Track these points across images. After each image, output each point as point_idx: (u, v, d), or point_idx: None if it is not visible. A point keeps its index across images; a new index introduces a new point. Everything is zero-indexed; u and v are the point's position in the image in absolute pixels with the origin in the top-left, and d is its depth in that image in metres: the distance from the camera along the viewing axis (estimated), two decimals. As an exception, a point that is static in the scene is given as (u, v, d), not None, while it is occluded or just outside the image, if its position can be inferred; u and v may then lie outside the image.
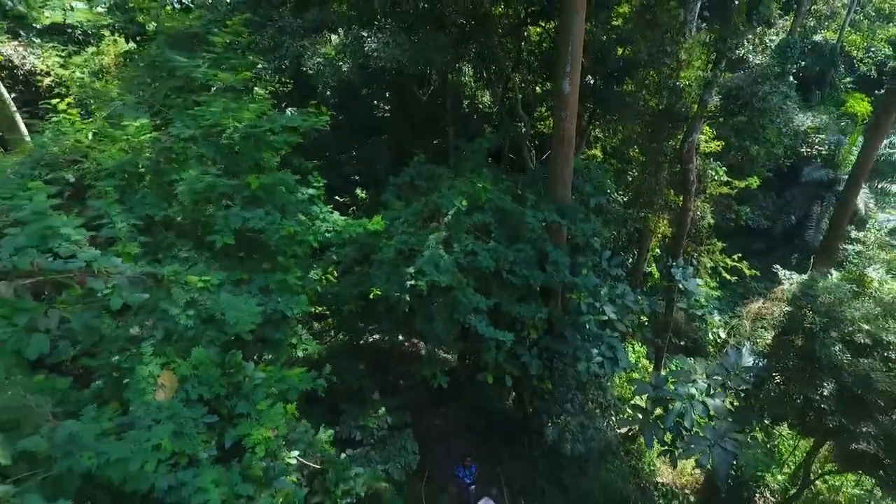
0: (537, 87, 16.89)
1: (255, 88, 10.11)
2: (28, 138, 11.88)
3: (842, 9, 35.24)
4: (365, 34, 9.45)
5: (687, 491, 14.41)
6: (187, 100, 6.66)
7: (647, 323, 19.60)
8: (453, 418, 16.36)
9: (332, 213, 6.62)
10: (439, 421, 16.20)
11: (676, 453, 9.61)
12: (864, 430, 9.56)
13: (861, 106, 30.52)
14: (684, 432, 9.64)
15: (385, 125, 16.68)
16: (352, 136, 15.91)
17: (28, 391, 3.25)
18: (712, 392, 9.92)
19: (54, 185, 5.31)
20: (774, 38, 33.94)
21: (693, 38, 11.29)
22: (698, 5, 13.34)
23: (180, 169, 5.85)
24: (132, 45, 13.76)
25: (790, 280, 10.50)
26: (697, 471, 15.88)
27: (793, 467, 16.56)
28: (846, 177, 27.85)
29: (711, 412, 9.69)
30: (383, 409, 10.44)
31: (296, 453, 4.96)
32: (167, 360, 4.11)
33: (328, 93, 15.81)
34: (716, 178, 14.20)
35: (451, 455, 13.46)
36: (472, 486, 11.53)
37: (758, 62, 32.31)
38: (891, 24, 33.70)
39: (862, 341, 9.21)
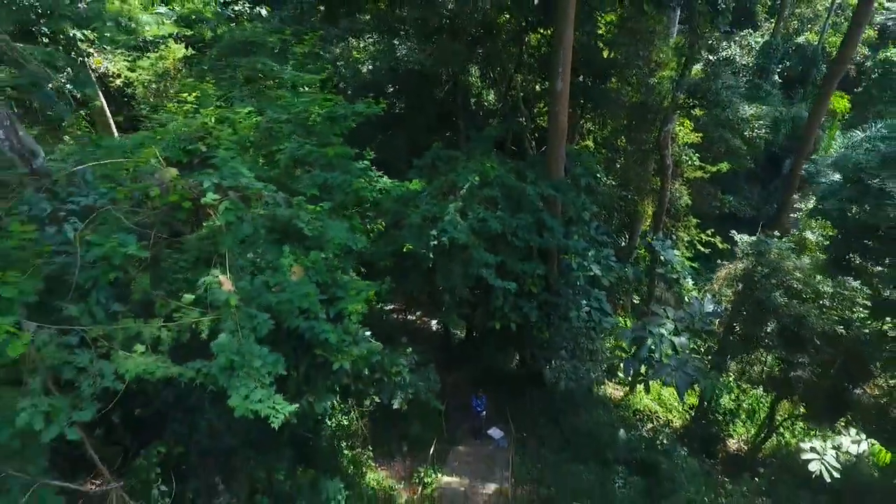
0: (537, 86, 19.23)
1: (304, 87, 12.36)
2: (115, 131, 14.26)
3: (823, 12, 37.55)
4: (396, 42, 11.76)
5: (667, 429, 16.63)
6: (273, 91, 9.00)
7: (636, 298, 21.93)
8: (464, 380, 18.64)
9: (382, 177, 8.94)
10: (452, 381, 18.46)
11: (648, 375, 11.91)
12: (799, 360, 11.86)
13: (840, 103, 32.67)
14: (655, 363, 11.92)
15: (403, 120, 19.00)
16: (374, 129, 18.21)
17: (235, 259, 5.55)
18: (678, 332, 12.21)
19: (192, 154, 7.73)
20: (760, 39, 36.31)
21: (668, 43, 13.55)
22: (677, 16, 15.62)
23: (278, 143, 8.19)
24: (191, 51, 16.18)
25: (743, 241, 12.81)
26: (677, 419, 18.17)
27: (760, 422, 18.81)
28: (825, 169, 30.22)
29: (677, 347, 11.98)
30: (410, 349, 12.70)
31: (368, 332, 7.27)
32: (297, 257, 6.43)
33: (349, 91, 18.14)
34: (690, 163, 16.46)
35: (464, 407, 15.66)
36: (483, 413, 13.84)
37: (743, 63, 34.73)
38: (868, 26, 35.87)
39: (796, 286, 11.49)
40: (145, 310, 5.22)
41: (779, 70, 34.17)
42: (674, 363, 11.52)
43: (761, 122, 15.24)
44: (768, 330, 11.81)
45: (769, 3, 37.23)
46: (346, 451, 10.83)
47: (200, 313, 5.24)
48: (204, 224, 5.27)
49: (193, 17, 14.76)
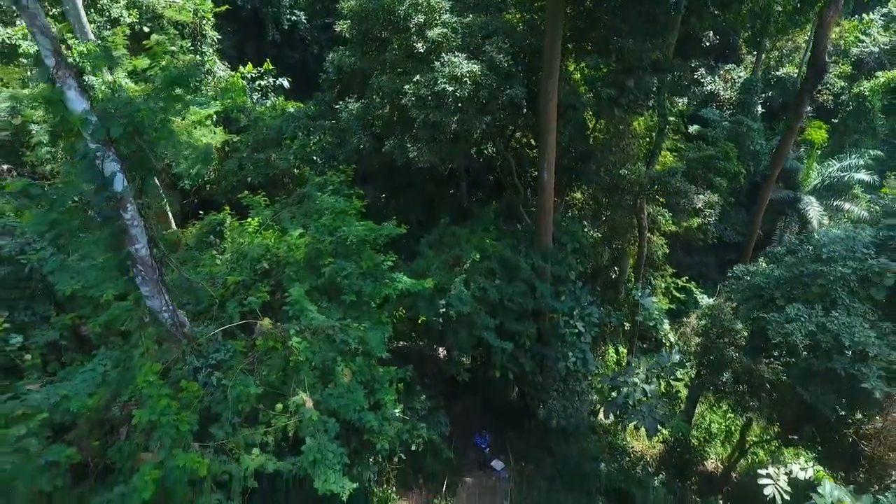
0: (532, 140, 21.63)
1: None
2: (172, 220, 16.69)
3: (803, 44, 39.83)
4: (409, 145, 14.18)
5: (648, 458, 18.94)
6: (321, 217, 11.40)
7: (626, 327, 24.24)
8: (469, 408, 20.99)
9: (403, 277, 11.34)
10: (459, 409, 20.80)
11: (624, 419, 14.27)
12: (751, 404, 14.18)
13: (818, 134, 34.90)
14: (629, 408, 14.28)
15: (413, 180, 21.42)
16: (390, 192, 20.65)
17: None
18: (649, 381, 14.58)
19: (256, 270, 10.20)
20: (743, 74, 38.66)
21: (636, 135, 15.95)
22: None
23: (323, 258, 10.61)
24: (229, 134, 18.61)
25: (704, 301, 15.17)
26: (660, 445, 20.46)
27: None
28: (805, 196, 32.73)
29: (648, 395, 14.34)
30: (424, 395, 15.09)
31: (398, 412, 9.68)
32: (346, 364, 8.85)
33: (362, 147, 20.60)
34: (665, 221, 18.83)
35: (469, 435, 18.05)
36: (487, 450, 16.22)
37: (727, 97, 37.24)
38: (844, 59, 38.20)
39: (743, 344, 13.82)
40: (251, 417, 7.66)
41: (760, 102, 36.51)
42: (644, 409, 13.88)
43: (712, 210, 17.62)
44: (724, 379, 14.15)
45: (750, 36, 39.45)
46: (374, 489, 13.24)
47: (287, 417, 7.68)
48: (290, 358, 7.71)
49: (233, 110, 17.21)
